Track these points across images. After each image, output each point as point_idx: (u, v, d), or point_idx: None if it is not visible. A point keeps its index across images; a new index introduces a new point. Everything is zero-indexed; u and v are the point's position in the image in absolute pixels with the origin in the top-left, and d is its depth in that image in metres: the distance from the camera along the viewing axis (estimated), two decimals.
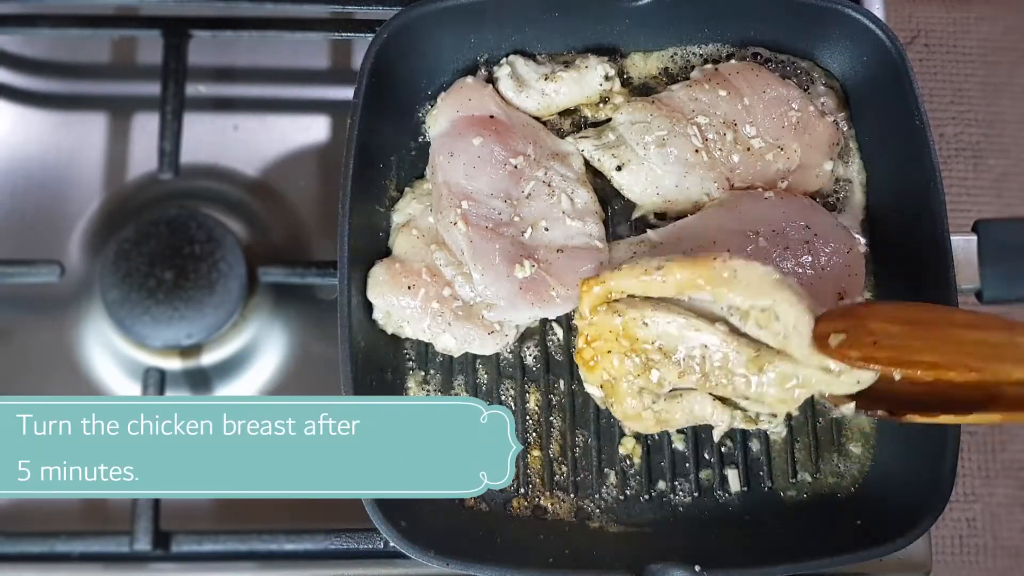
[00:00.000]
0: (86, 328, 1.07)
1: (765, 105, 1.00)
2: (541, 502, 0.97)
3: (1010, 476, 1.47)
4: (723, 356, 0.87)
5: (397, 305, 0.96)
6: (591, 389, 0.94)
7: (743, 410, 0.92)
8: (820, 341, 0.83)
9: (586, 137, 1.03)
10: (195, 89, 1.12)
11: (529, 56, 1.05)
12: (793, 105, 1.00)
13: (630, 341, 0.89)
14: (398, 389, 0.99)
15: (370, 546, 0.98)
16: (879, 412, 0.86)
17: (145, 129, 1.12)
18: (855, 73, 1.03)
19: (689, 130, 0.99)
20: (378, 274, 0.97)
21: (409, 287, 0.96)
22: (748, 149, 1.00)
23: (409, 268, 0.97)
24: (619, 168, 1.01)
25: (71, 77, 1.15)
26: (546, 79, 1.02)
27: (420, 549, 0.88)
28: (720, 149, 1.00)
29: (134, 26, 1.12)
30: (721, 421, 0.91)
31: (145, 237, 1.05)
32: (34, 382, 1.06)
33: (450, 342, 0.96)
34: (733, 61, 1.03)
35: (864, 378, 0.85)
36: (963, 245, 0.97)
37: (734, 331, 0.87)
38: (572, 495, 0.97)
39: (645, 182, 1.00)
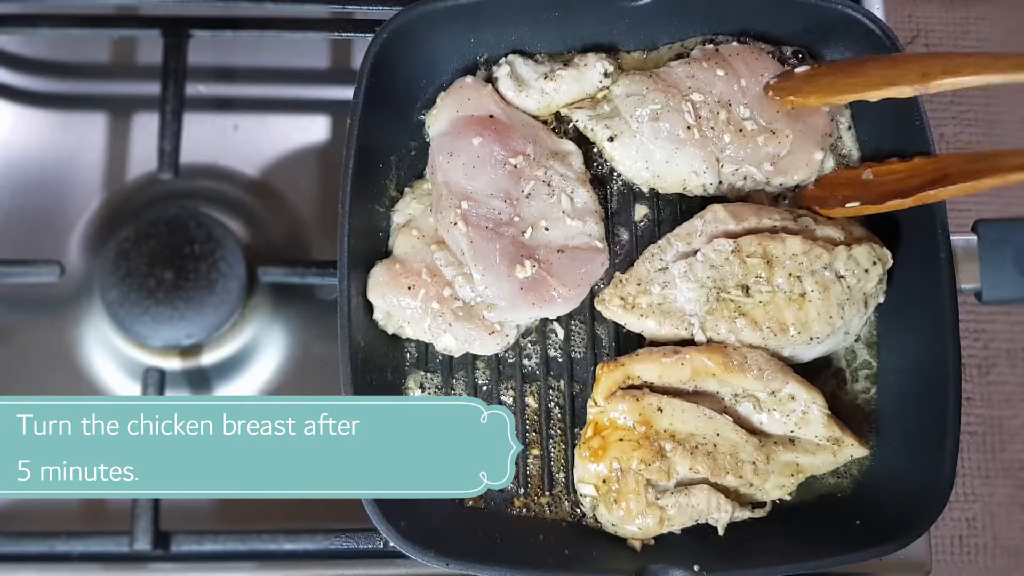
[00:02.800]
0: (86, 328, 1.07)
1: (762, 88, 1.00)
2: (541, 502, 0.97)
3: (1010, 476, 1.47)
4: (733, 444, 0.93)
5: (397, 305, 0.96)
6: (584, 488, 0.94)
7: (743, 496, 0.94)
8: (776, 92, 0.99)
9: (581, 107, 1.03)
10: (195, 89, 1.12)
11: (528, 56, 1.05)
12: None
13: (646, 427, 0.91)
14: (398, 389, 0.99)
15: (370, 546, 0.98)
16: (846, 206, 0.97)
17: (145, 129, 1.12)
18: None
19: (683, 106, 0.99)
20: (378, 275, 0.97)
21: (409, 287, 0.96)
22: (740, 130, 1.00)
23: (409, 268, 0.97)
24: (611, 139, 1.01)
25: (71, 77, 1.15)
26: (545, 78, 1.02)
27: (420, 549, 0.88)
28: (712, 128, 1.00)
29: (134, 26, 1.12)
30: (725, 512, 0.92)
31: (145, 237, 1.05)
32: (34, 382, 1.06)
33: (451, 342, 0.96)
34: (735, 43, 1.03)
35: (856, 453, 0.95)
36: (963, 245, 0.97)
37: (740, 422, 0.94)
38: (572, 495, 0.97)
39: (636, 155, 1.01)
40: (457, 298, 0.96)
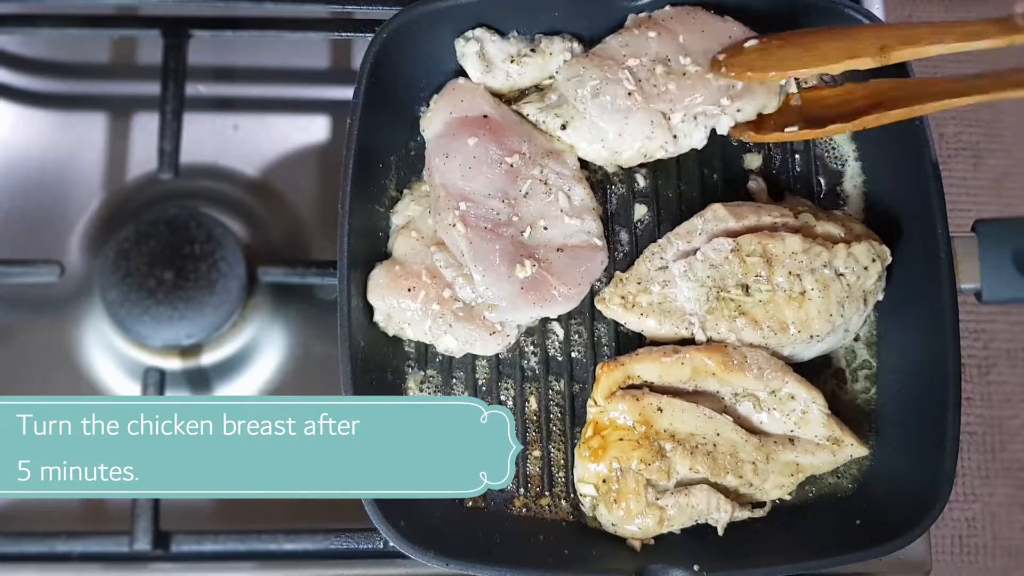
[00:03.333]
0: (86, 328, 1.07)
1: (702, 40, 1.00)
2: (541, 502, 0.97)
3: (1010, 476, 1.47)
4: (732, 444, 0.93)
5: (398, 307, 0.96)
6: (583, 488, 0.94)
7: (743, 496, 0.94)
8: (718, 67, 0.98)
9: (530, 102, 1.03)
10: (195, 89, 1.12)
11: (495, 30, 1.04)
12: (731, 34, 1.00)
13: (645, 427, 0.91)
14: (398, 389, 0.99)
15: (370, 546, 0.98)
16: (785, 130, 0.97)
17: (145, 129, 1.12)
18: (854, 73, 1.03)
19: (621, 74, 0.99)
20: (378, 277, 0.97)
21: (409, 289, 0.96)
22: (684, 74, 0.99)
23: (409, 270, 0.97)
24: (563, 127, 1.00)
25: (71, 77, 1.15)
26: (512, 61, 1.02)
27: (420, 549, 0.88)
28: (654, 85, 0.99)
29: (134, 26, 1.12)
30: (725, 512, 0.92)
31: (145, 237, 1.05)
32: (34, 382, 1.06)
33: (452, 343, 0.96)
34: (668, 8, 1.02)
35: (856, 453, 0.95)
36: (963, 245, 0.97)
37: (740, 421, 0.94)
38: (572, 495, 0.97)
39: (590, 136, 1.00)
40: (457, 299, 0.96)
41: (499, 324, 0.97)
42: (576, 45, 1.04)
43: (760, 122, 1.00)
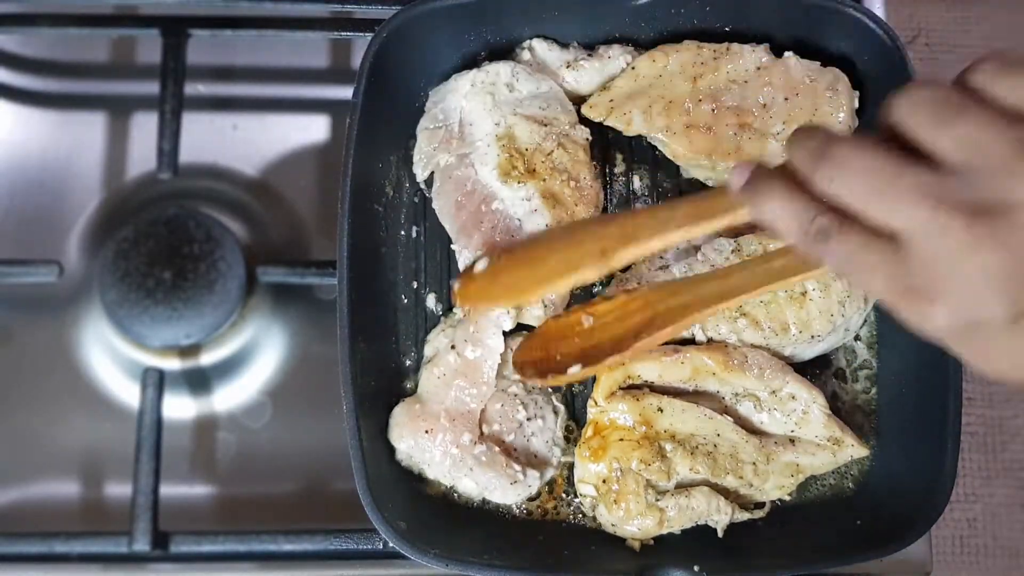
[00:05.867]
0: (85, 328, 1.07)
1: None
2: (542, 503, 0.97)
3: (1010, 476, 1.47)
4: (733, 444, 0.92)
5: (416, 447, 0.94)
6: (584, 488, 0.93)
7: (743, 497, 0.94)
8: None
9: None
10: (194, 89, 1.12)
11: (552, 40, 1.04)
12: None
13: (646, 427, 0.91)
14: (398, 390, 0.99)
15: (370, 546, 0.98)
16: (568, 372, 0.88)
17: (144, 129, 1.12)
18: (855, 72, 1.03)
19: None
20: (399, 415, 0.95)
21: (426, 431, 0.94)
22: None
23: (428, 410, 0.95)
24: None
25: (70, 77, 1.15)
26: (568, 67, 1.02)
27: (420, 549, 0.88)
28: None
29: (133, 25, 1.12)
30: (725, 515, 0.91)
31: (144, 237, 1.05)
32: (33, 382, 1.06)
33: (471, 487, 0.94)
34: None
35: (857, 453, 0.95)
36: None
37: (740, 422, 0.94)
38: (572, 496, 0.97)
39: None
40: (478, 443, 0.94)
41: (521, 474, 0.94)
42: (632, 54, 1.03)
43: (542, 356, 0.91)
